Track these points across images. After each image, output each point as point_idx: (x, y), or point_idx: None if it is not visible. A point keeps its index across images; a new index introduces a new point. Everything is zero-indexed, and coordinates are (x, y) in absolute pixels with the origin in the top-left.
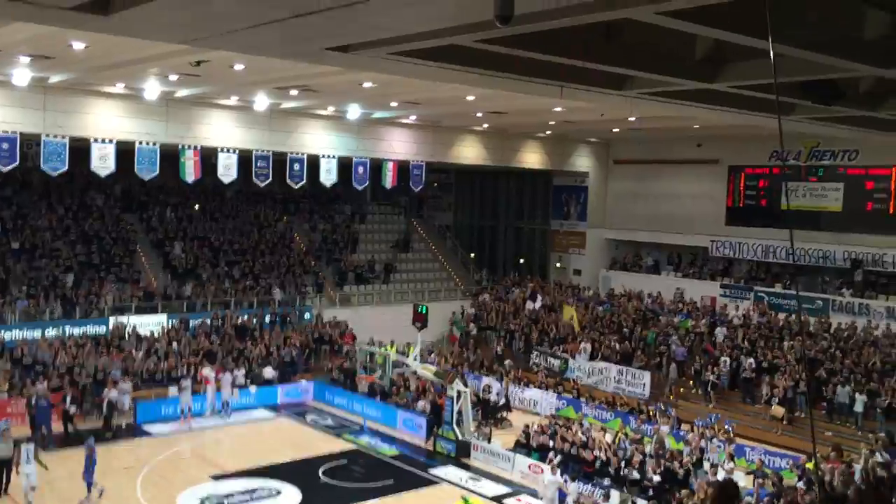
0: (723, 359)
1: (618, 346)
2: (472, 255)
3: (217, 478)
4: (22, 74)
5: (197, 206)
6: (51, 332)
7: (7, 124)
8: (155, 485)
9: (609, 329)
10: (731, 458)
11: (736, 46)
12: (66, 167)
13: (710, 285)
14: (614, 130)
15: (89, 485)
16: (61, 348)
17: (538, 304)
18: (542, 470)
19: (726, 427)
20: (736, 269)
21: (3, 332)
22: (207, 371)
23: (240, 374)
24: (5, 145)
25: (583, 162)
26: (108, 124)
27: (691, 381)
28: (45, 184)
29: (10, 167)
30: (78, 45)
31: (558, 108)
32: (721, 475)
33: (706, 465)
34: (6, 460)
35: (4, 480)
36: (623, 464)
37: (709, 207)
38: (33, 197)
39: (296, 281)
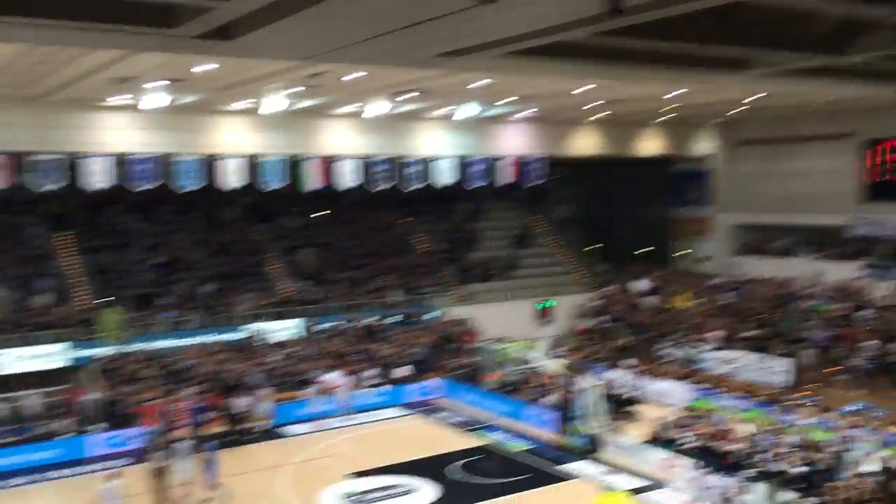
0: (867, 343)
1: (753, 333)
2: (594, 246)
3: (354, 475)
4: (155, 98)
5: (321, 213)
6: (192, 341)
7: (144, 146)
8: (294, 485)
9: (743, 316)
10: (883, 447)
11: (864, 18)
12: (199, 183)
13: (850, 266)
14: (736, 111)
15: (212, 486)
16: (203, 356)
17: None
18: (678, 464)
19: (875, 414)
20: (877, 247)
21: (151, 342)
22: (334, 374)
23: (371, 374)
24: (147, 165)
25: (704, 145)
26: (234, 140)
27: (834, 368)
28: (181, 200)
29: (151, 186)
30: (206, 68)
31: (676, 93)
32: (874, 466)
33: (854, 455)
34: (163, 467)
35: (164, 486)
36: (764, 456)
37: (842, 184)
38: (170, 213)
39: (419, 281)
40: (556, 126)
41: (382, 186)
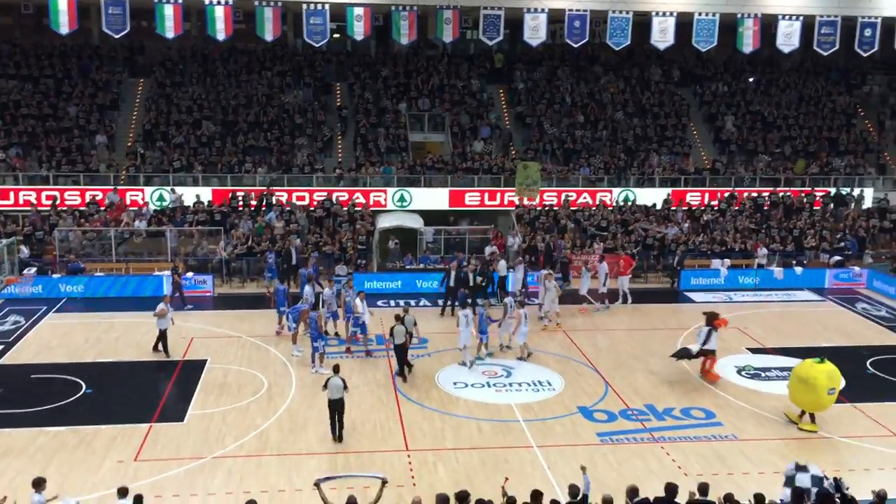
0: None
1: None
2: None
3: (754, 351)
4: None
5: (751, 80)
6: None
7: (579, 2)
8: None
9: None
10: None
11: None
12: (629, 42)
13: None
14: None
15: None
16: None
17: None
18: None
19: None
20: None
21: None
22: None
23: (784, 252)
24: (577, 23)
25: None
26: None
27: None
28: (613, 58)
29: (580, 44)
30: None
31: None
32: None
33: None
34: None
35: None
36: None
37: None
38: (599, 73)
39: (857, 161)
40: None
41: (828, 52)
